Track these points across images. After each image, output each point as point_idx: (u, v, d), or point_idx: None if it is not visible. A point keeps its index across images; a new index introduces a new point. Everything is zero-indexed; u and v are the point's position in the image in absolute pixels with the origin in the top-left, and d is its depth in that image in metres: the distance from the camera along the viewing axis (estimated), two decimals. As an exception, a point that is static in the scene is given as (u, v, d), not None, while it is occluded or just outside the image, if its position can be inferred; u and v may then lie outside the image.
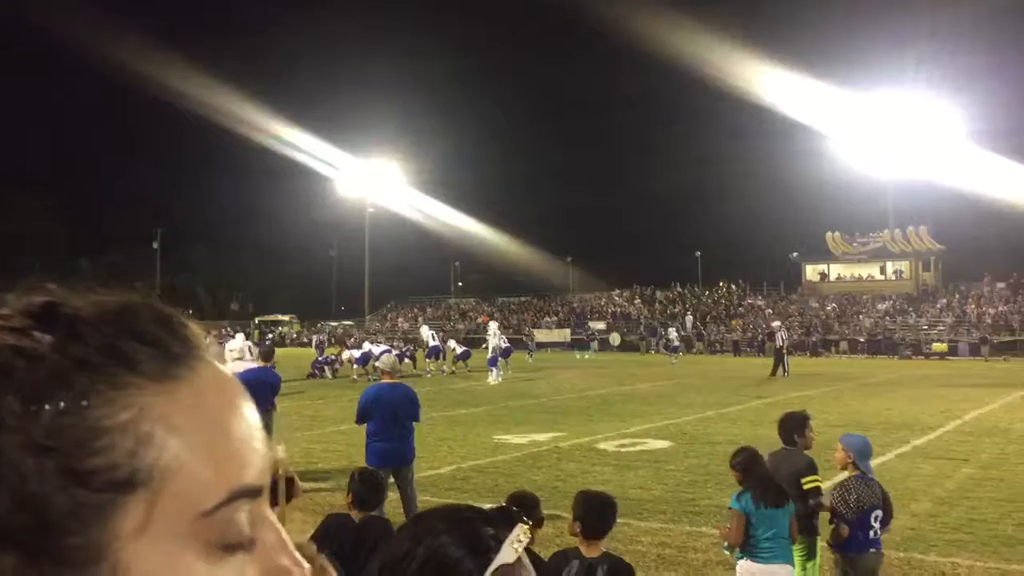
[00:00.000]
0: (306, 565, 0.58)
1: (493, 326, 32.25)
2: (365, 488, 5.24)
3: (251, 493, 0.54)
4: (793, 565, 5.60)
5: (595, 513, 4.34)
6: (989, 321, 49.07)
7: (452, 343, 34.19)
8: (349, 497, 5.24)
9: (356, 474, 5.38)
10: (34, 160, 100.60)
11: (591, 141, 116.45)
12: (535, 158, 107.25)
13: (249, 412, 0.56)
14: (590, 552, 4.27)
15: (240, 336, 27.44)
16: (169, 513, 0.51)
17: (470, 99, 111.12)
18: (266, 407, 10.67)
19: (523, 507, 4.49)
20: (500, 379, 28.03)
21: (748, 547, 5.46)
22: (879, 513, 5.73)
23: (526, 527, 1.28)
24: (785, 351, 30.81)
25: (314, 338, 36.33)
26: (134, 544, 0.50)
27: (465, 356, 32.43)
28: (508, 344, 32.28)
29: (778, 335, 31.83)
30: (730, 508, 5.61)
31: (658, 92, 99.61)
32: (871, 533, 5.70)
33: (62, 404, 0.49)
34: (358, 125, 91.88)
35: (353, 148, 72.78)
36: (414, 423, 8.82)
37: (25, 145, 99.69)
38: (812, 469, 6.14)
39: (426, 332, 35.52)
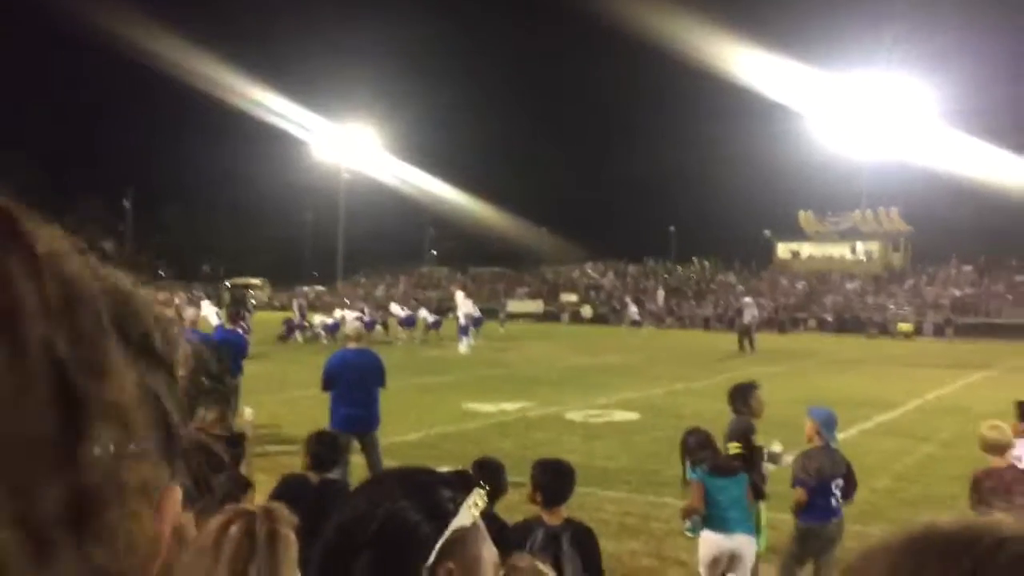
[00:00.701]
0: None
1: (460, 295, 32.34)
2: (323, 448, 5.24)
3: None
4: (754, 535, 5.68)
5: (554, 481, 4.35)
6: (949, 303, 49.75)
7: (423, 312, 34.32)
8: (306, 459, 5.22)
9: (313, 435, 5.38)
10: (2, 117, 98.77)
11: (570, 114, 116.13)
12: (512, 127, 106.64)
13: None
14: (552, 520, 4.29)
15: (206, 303, 27.16)
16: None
17: (448, 64, 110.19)
18: (233, 370, 10.61)
19: (487, 473, 4.50)
20: (470, 348, 28.08)
21: (708, 517, 5.56)
22: (840, 482, 5.83)
23: (483, 491, 1.27)
24: (752, 327, 31.00)
25: (295, 302, 36.08)
26: None
27: (436, 325, 32.72)
28: (479, 314, 32.38)
29: (746, 312, 32.04)
30: (689, 479, 5.70)
31: (636, 70, 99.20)
32: (832, 501, 5.81)
33: None
34: (334, 89, 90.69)
35: (329, 112, 72.14)
36: (379, 389, 8.84)
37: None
38: (748, 433, 6.36)
39: (395, 308, 35.51)
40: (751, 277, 61.38)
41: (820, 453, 5.88)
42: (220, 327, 11.32)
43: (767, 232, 66.62)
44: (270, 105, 75.21)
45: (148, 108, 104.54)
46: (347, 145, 70.59)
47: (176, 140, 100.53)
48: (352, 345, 8.99)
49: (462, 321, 29.42)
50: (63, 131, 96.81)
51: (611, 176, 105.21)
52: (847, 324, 48.77)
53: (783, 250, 64.77)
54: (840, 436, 12.99)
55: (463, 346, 28.07)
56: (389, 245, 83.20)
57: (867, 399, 17.17)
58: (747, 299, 36.16)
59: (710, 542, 5.58)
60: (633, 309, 44.44)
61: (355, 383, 8.57)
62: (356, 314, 31.91)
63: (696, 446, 5.81)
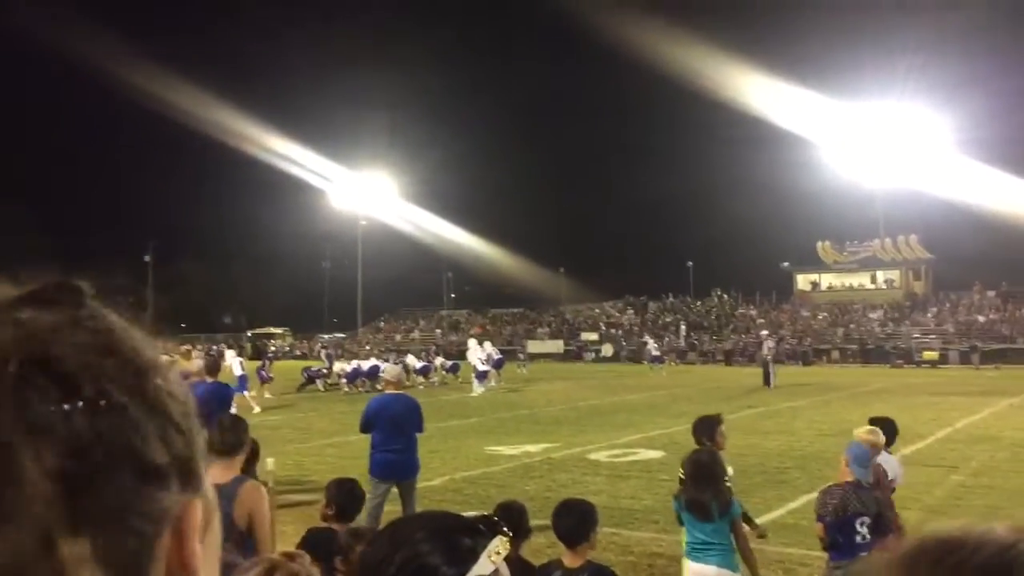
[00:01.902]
0: None
1: (472, 343, 32.42)
2: (344, 497, 5.20)
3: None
4: (732, 569, 5.56)
5: (571, 521, 4.33)
6: (979, 330, 49.25)
7: (439, 359, 34.42)
8: (328, 508, 5.18)
9: (333, 484, 5.31)
10: (20, 170, 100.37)
11: (583, 152, 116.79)
12: (526, 169, 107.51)
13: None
14: (572, 561, 4.25)
15: (230, 353, 27.17)
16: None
17: (462, 111, 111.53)
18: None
19: (509, 516, 4.48)
20: (486, 389, 28.15)
21: (687, 545, 5.54)
22: (866, 520, 5.73)
23: (506, 539, 1.30)
24: (771, 361, 30.84)
25: (323, 351, 35.87)
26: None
27: (454, 369, 32.88)
28: (499, 355, 32.35)
29: (765, 344, 31.98)
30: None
31: (651, 102, 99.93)
32: (857, 539, 5.71)
33: None
34: (351, 137, 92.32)
35: (346, 160, 73.01)
36: (417, 434, 8.84)
37: (13, 155, 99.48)
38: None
39: (411, 359, 35.28)
40: (771, 309, 61.09)
41: (844, 489, 5.80)
42: (202, 382, 11.35)
43: (786, 264, 66.42)
44: (287, 154, 76.01)
45: (166, 160, 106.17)
46: (364, 192, 71.17)
47: (194, 192, 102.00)
48: (391, 390, 9.02)
49: (479, 367, 29.40)
50: (80, 186, 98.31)
51: (627, 213, 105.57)
52: (871, 354, 48.35)
53: (803, 281, 64.51)
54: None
55: (476, 387, 28.15)
56: (408, 290, 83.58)
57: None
58: (764, 332, 36.20)
59: (689, 571, 5.58)
60: (652, 346, 44.44)
61: (392, 428, 8.58)
62: (383, 363, 31.96)
63: (692, 475, 5.70)
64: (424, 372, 32.80)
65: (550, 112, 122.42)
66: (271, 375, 28.22)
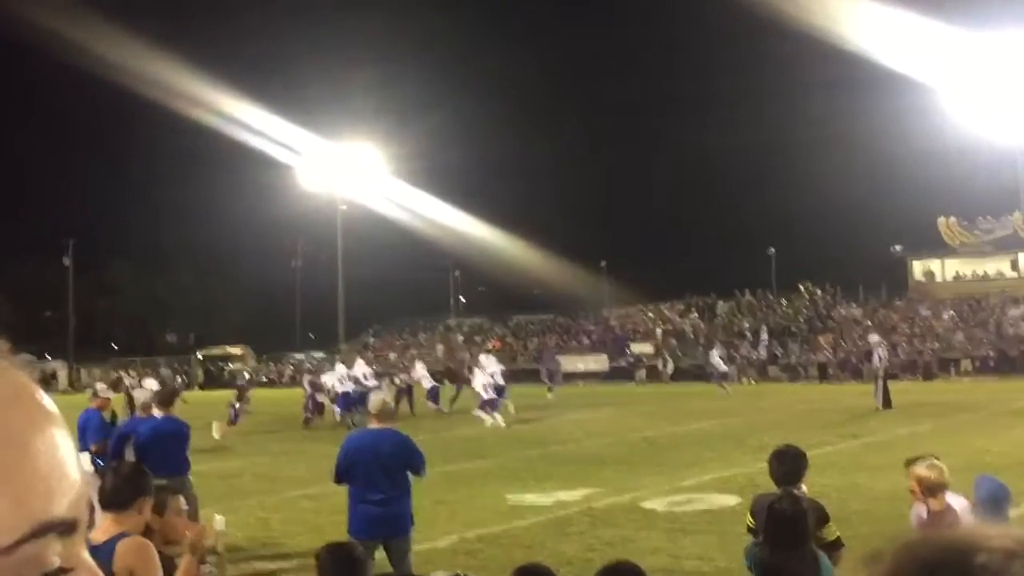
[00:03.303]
0: None
1: (484, 358, 32.32)
2: (337, 568, 5.21)
3: (62, 528, 0.57)
4: None
5: None
6: None
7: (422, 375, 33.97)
8: None
9: (324, 551, 5.36)
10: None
11: (626, 111, 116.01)
12: (555, 138, 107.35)
13: (58, 433, 0.60)
14: None
15: (151, 382, 27.35)
16: None
17: (470, 63, 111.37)
18: (177, 466, 10.67)
19: None
20: (493, 421, 28.15)
21: None
22: None
23: None
24: (883, 375, 30.60)
25: (306, 378, 35.87)
26: None
27: (433, 394, 32.73)
28: (502, 380, 31.95)
29: (875, 354, 31.71)
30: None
31: (714, 39, 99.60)
32: None
33: None
34: (327, 98, 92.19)
35: (320, 128, 73.03)
36: (411, 478, 8.81)
37: None
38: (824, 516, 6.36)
39: (421, 370, 35.28)
40: (880, 307, 60.79)
41: None
42: (150, 417, 11.53)
43: (898, 247, 66.03)
44: (245, 120, 75.43)
45: (89, 129, 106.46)
46: (344, 170, 71.44)
47: (125, 173, 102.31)
48: (374, 424, 9.00)
49: (486, 394, 29.32)
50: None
51: (685, 189, 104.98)
52: (1014, 363, 47.95)
53: (920, 270, 64.14)
54: (1013, 512, 12.70)
55: (485, 417, 28.20)
56: (404, 295, 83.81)
57: (1046, 462, 16.82)
58: (874, 337, 35.92)
59: None
60: (717, 358, 44.46)
61: (377, 473, 8.57)
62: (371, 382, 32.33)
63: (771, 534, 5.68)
64: (433, 396, 32.80)
65: (583, 59, 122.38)
66: (243, 412, 28.60)
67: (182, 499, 6.23)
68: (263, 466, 19.80)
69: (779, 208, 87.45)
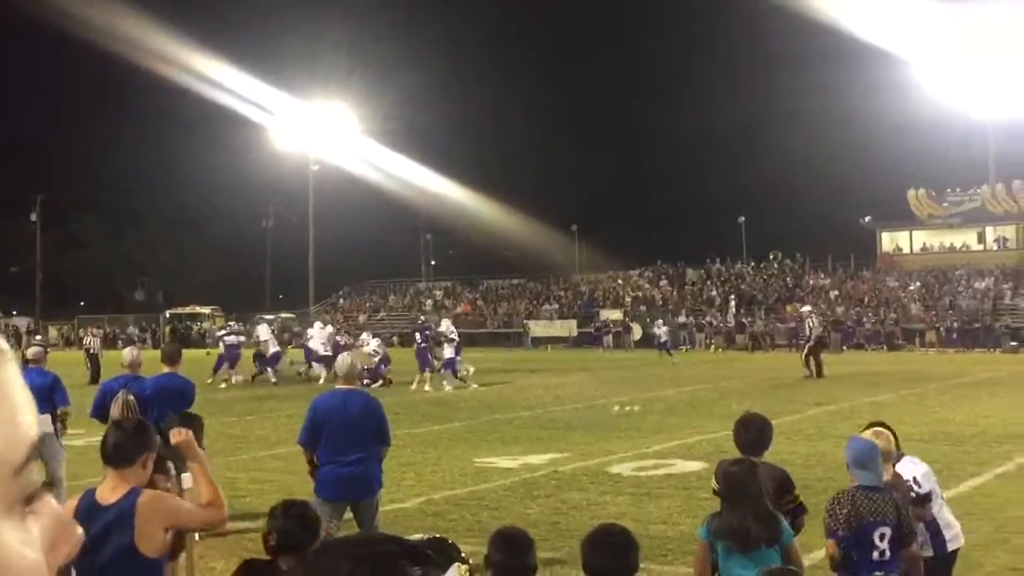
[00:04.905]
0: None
1: (446, 324, 31.78)
2: (291, 524, 5.20)
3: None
4: None
5: (607, 557, 4.34)
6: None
7: (372, 342, 33.26)
8: (270, 538, 5.19)
9: (279, 508, 5.34)
10: None
11: (601, 79, 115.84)
12: (530, 99, 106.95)
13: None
14: None
15: (263, 328, 27.19)
16: None
17: (446, 22, 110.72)
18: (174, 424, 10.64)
19: (512, 549, 4.48)
20: (452, 387, 27.98)
21: None
22: (886, 531, 5.81)
23: (465, 566, 1.25)
24: (812, 343, 31.22)
25: (268, 336, 35.54)
26: None
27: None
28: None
29: (806, 323, 32.37)
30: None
31: (688, 9, 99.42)
32: (875, 554, 5.79)
33: None
34: (299, 56, 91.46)
35: (293, 87, 72.47)
36: (380, 445, 8.81)
37: None
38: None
39: (265, 332, 34.43)
40: (848, 278, 61.17)
41: (854, 496, 5.91)
42: (134, 376, 11.41)
43: (867, 219, 66.38)
44: (216, 78, 74.64)
45: (55, 85, 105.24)
46: (316, 129, 70.97)
47: (94, 130, 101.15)
48: (342, 385, 8.99)
49: (448, 353, 29.07)
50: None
51: (658, 154, 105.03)
52: (977, 335, 48.43)
53: (889, 241, 64.54)
54: (973, 482, 12.85)
55: (448, 383, 28.09)
56: (375, 257, 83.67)
57: (1007, 433, 17.01)
58: (805, 308, 36.96)
59: None
60: (662, 328, 45.04)
61: (345, 435, 8.56)
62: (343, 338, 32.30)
63: (721, 490, 5.75)
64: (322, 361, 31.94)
65: (558, 25, 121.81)
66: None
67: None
68: (230, 426, 19.76)
69: (750, 178, 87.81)
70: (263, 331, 33.97)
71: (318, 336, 33.63)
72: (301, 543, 5.20)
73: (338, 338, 34.45)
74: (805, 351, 31.47)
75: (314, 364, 32.67)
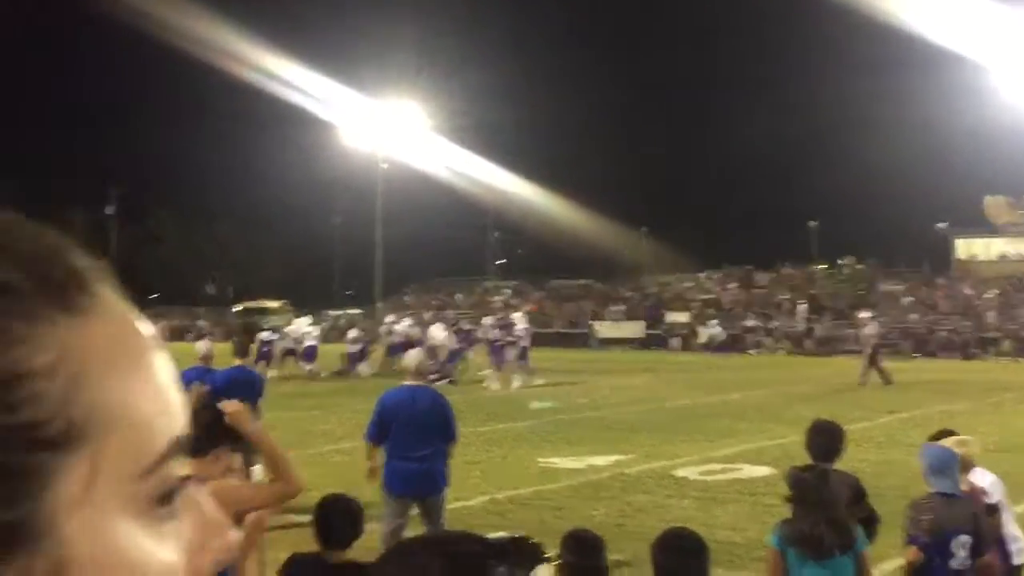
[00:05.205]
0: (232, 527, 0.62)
1: (517, 316, 32.10)
2: (338, 519, 5.25)
3: (184, 443, 0.57)
4: None
5: (678, 560, 4.32)
6: None
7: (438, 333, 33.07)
8: (318, 532, 5.26)
9: (324, 502, 5.40)
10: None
11: (674, 77, 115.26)
12: (600, 99, 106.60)
13: (164, 354, 0.59)
14: None
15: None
16: (113, 472, 0.52)
17: (515, 21, 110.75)
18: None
19: (582, 551, 4.47)
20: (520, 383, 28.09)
21: None
22: (966, 540, 5.71)
23: (551, 565, 1.22)
24: (872, 351, 30.71)
25: (350, 332, 36.14)
26: (77, 514, 0.50)
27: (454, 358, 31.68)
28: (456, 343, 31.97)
29: (867, 328, 31.91)
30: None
31: (763, 11, 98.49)
32: (953, 563, 5.73)
33: None
34: (369, 55, 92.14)
35: (363, 85, 72.93)
36: (448, 442, 8.85)
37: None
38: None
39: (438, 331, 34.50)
40: (923, 284, 60.26)
41: (935, 503, 5.83)
42: (206, 368, 11.55)
43: (942, 225, 65.33)
44: (287, 77, 75.96)
45: (133, 87, 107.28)
46: (386, 127, 71.34)
47: (169, 127, 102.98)
48: (410, 381, 9.02)
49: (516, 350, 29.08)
50: (24, 116, 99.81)
51: (729, 158, 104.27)
52: (1057, 345, 47.49)
53: (964, 248, 63.46)
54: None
55: (517, 381, 28.16)
56: (442, 255, 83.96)
57: (1086, 445, 16.64)
58: (865, 313, 36.43)
59: None
60: (717, 330, 45.13)
61: (413, 431, 8.60)
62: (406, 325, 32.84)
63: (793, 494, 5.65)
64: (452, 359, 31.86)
65: (631, 23, 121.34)
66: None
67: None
68: (296, 420, 19.92)
69: (824, 182, 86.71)
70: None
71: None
72: (345, 537, 5.26)
73: (408, 327, 35.05)
74: (865, 359, 30.96)
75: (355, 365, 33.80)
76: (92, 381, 0.52)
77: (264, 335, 33.08)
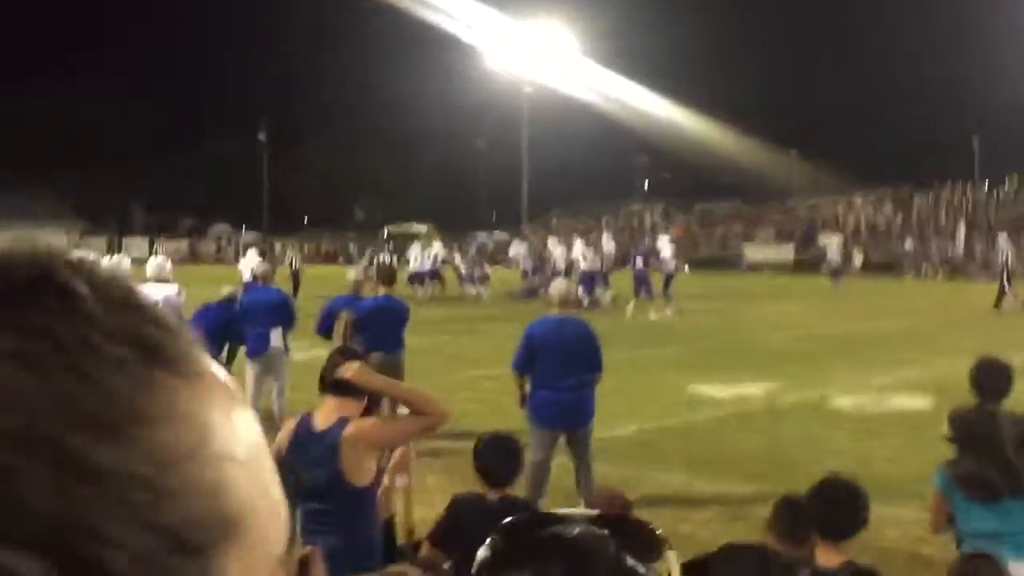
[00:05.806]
0: None
1: (663, 240, 31.53)
2: (496, 458, 5.26)
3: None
4: None
5: (840, 505, 4.23)
6: None
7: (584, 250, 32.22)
8: (477, 470, 5.28)
9: (482, 441, 5.41)
10: (112, 38, 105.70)
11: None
12: (748, 17, 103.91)
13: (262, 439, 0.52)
14: (828, 559, 4.15)
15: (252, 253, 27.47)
16: (256, 565, 0.46)
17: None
18: (393, 345, 10.97)
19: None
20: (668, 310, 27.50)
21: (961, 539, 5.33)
22: None
23: (675, 553, 1.16)
24: (1007, 272, 29.54)
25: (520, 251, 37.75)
26: None
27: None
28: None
29: (1003, 252, 30.67)
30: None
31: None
32: None
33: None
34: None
35: (506, 6, 72.63)
36: (594, 373, 8.80)
37: (102, 19, 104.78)
38: None
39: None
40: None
41: None
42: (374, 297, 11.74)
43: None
44: (431, 0, 76.16)
45: (280, 16, 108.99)
46: (531, 50, 70.97)
47: (316, 54, 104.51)
48: (555, 311, 9.01)
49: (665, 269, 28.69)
50: (176, 49, 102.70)
51: (885, 73, 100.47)
52: None
53: None
54: None
55: (670, 309, 27.42)
56: (587, 179, 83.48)
57: None
58: (1003, 234, 36.02)
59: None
60: (833, 252, 43.69)
61: (558, 362, 8.59)
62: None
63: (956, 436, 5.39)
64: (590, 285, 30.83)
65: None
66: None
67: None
68: (445, 344, 20.22)
69: (986, 95, 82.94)
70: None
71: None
72: (505, 475, 5.27)
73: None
74: (1000, 281, 29.89)
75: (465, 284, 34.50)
76: (230, 470, 0.45)
77: (412, 258, 33.74)
